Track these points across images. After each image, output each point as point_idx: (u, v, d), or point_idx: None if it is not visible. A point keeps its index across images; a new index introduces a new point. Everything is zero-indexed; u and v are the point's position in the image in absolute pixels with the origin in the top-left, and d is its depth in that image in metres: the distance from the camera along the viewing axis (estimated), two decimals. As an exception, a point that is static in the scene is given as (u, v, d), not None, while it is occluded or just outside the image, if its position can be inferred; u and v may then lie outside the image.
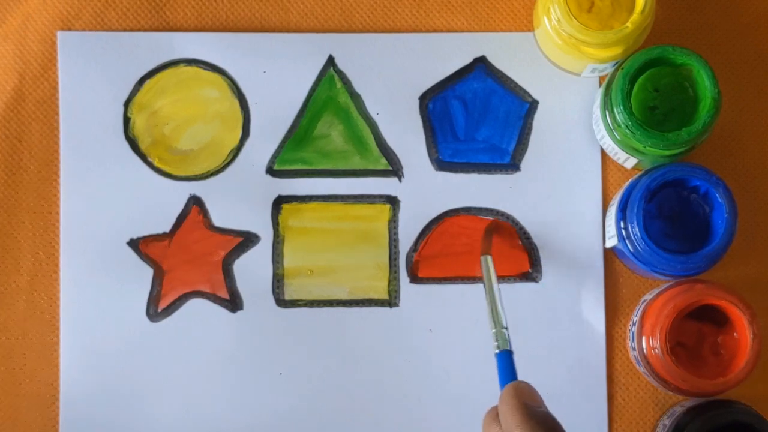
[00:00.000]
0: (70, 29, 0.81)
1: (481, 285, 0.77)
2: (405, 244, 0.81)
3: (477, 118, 0.81)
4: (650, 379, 0.77)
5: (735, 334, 0.75)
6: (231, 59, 0.81)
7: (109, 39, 0.81)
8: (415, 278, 0.81)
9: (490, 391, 0.79)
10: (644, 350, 0.76)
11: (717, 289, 0.75)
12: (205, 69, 0.81)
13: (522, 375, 0.80)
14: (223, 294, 0.80)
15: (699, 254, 0.74)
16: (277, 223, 0.81)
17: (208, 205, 0.81)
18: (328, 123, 0.81)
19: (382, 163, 0.81)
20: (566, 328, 0.80)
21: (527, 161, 0.81)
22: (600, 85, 0.80)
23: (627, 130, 0.74)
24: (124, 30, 0.81)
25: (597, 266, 0.80)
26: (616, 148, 0.77)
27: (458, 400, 0.80)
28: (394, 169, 0.81)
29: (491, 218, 0.81)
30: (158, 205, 0.80)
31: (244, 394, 0.80)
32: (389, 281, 0.80)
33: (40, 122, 0.81)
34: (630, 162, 0.78)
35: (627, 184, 0.77)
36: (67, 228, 0.80)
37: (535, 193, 0.81)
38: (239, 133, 0.81)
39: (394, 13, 0.82)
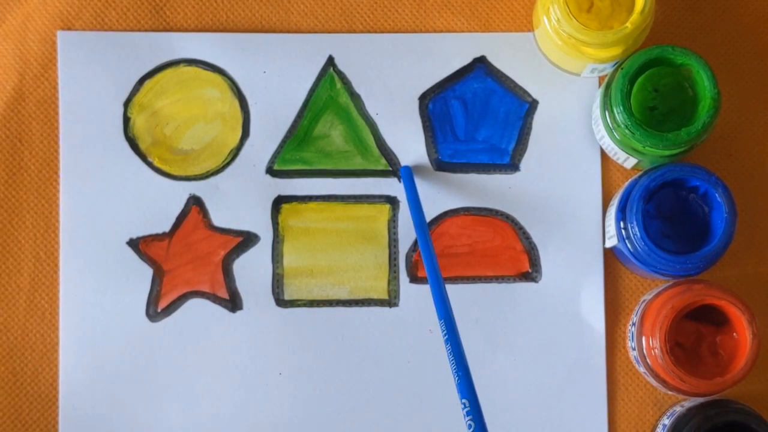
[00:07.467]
0: (70, 29, 0.81)
1: (481, 285, 0.77)
2: (405, 244, 0.81)
3: (477, 118, 0.81)
4: (650, 379, 0.77)
5: (734, 334, 0.75)
6: (231, 59, 0.81)
7: (109, 39, 0.81)
8: (415, 278, 0.81)
9: (489, 392, 0.79)
10: (644, 350, 0.76)
11: (716, 289, 0.75)
12: (205, 69, 0.81)
13: (522, 374, 0.80)
14: (223, 294, 0.80)
15: (698, 254, 0.74)
16: (277, 223, 0.81)
17: (208, 205, 0.81)
18: (328, 123, 0.81)
19: (382, 164, 0.81)
20: (566, 328, 0.80)
21: (527, 161, 0.81)
22: (600, 85, 0.80)
23: (626, 130, 0.74)
24: (124, 30, 0.81)
25: (597, 266, 0.80)
26: (616, 148, 0.77)
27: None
28: (393, 169, 0.81)
29: (491, 218, 0.81)
30: (158, 205, 0.80)
31: (244, 394, 0.80)
32: (389, 281, 0.80)
33: (40, 122, 0.81)
34: (630, 162, 0.78)
35: (626, 184, 0.77)
36: (67, 228, 0.80)
37: (535, 193, 0.81)
38: (239, 133, 0.81)
39: (394, 13, 0.82)
